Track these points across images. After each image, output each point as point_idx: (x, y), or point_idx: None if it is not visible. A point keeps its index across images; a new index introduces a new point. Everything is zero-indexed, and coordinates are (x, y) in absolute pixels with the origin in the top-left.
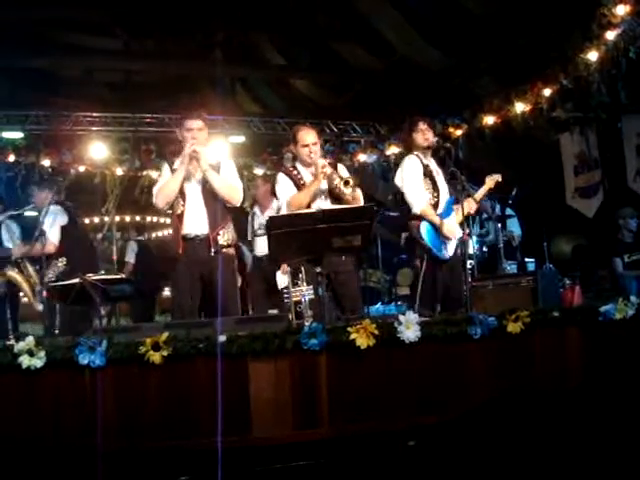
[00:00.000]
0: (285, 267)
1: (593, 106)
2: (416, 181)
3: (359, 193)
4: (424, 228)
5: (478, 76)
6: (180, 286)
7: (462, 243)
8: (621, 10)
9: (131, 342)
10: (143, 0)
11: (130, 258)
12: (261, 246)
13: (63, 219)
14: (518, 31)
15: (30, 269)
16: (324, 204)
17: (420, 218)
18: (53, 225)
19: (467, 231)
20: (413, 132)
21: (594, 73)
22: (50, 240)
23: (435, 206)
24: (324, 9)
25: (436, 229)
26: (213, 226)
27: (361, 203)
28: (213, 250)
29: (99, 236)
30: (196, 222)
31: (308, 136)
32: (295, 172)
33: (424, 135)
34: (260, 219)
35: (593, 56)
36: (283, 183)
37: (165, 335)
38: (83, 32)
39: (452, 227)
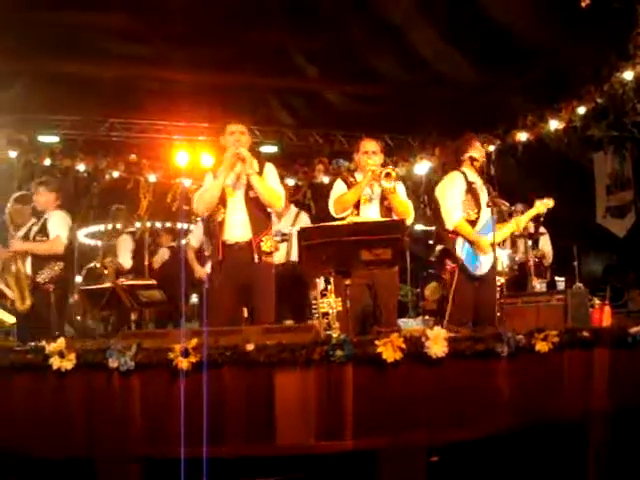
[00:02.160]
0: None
1: (628, 125)
2: (453, 197)
3: (402, 189)
4: (460, 242)
5: (513, 93)
6: (220, 293)
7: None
8: None
9: (160, 347)
10: (177, 8)
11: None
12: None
13: (69, 224)
14: (553, 49)
15: (23, 268)
16: (373, 210)
17: (455, 233)
18: (63, 228)
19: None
20: (470, 147)
21: (629, 92)
22: (62, 241)
23: (474, 222)
24: (359, 22)
25: (471, 244)
26: (256, 232)
27: (404, 199)
28: (256, 257)
29: None
30: (237, 228)
31: (369, 144)
32: (352, 179)
33: (480, 152)
34: (276, 226)
35: (629, 75)
36: (338, 188)
37: (194, 341)
38: (117, 38)
39: (489, 246)
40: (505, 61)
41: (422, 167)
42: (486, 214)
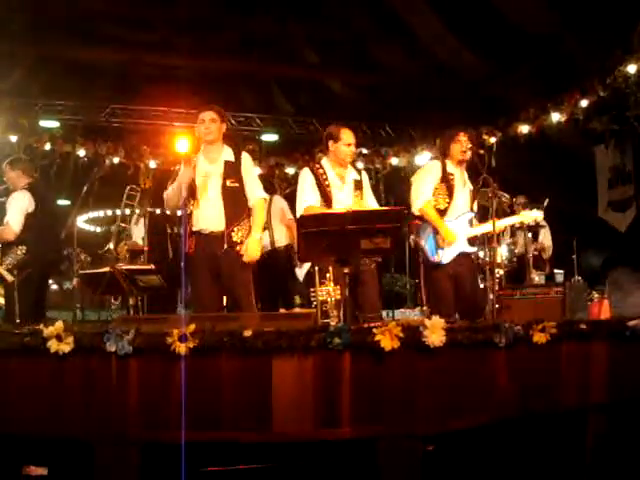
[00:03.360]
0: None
1: (630, 119)
2: (424, 182)
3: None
4: (423, 229)
5: (515, 84)
6: (197, 281)
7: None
8: None
9: (158, 332)
10: None
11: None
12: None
13: (29, 205)
14: (557, 41)
15: None
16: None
17: (421, 219)
18: (17, 211)
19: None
20: (452, 141)
21: (632, 86)
22: (12, 228)
23: (443, 212)
24: (362, 10)
25: (435, 233)
26: (230, 222)
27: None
28: (226, 246)
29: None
30: (212, 218)
31: (351, 136)
32: (321, 170)
33: (462, 147)
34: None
35: (632, 69)
36: (306, 181)
37: (192, 327)
38: (123, 25)
39: (452, 235)
40: (507, 52)
41: (423, 158)
42: (461, 208)
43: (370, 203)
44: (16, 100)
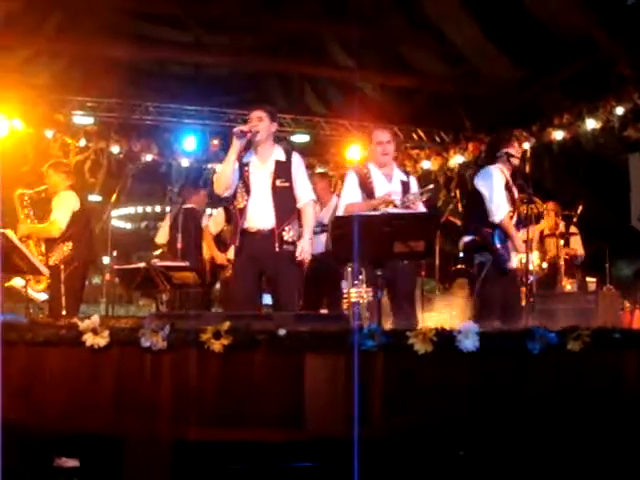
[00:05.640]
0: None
1: None
2: (500, 192)
3: None
4: (497, 236)
5: (549, 90)
6: (241, 279)
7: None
8: None
9: (193, 329)
10: None
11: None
12: (316, 243)
13: (75, 204)
14: (592, 47)
15: (34, 249)
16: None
17: (493, 227)
18: (64, 209)
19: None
20: (507, 144)
21: None
22: (57, 224)
23: (510, 219)
24: (396, 13)
25: (506, 241)
26: (280, 221)
27: None
28: (277, 246)
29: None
30: (260, 216)
31: (383, 135)
32: (365, 171)
33: (516, 150)
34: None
35: None
36: (349, 182)
37: (227, 324)
38: (157, 24)
39: (521, 243)
40: (542, 57)
41: (455, 162)
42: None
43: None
44: (52, 96)
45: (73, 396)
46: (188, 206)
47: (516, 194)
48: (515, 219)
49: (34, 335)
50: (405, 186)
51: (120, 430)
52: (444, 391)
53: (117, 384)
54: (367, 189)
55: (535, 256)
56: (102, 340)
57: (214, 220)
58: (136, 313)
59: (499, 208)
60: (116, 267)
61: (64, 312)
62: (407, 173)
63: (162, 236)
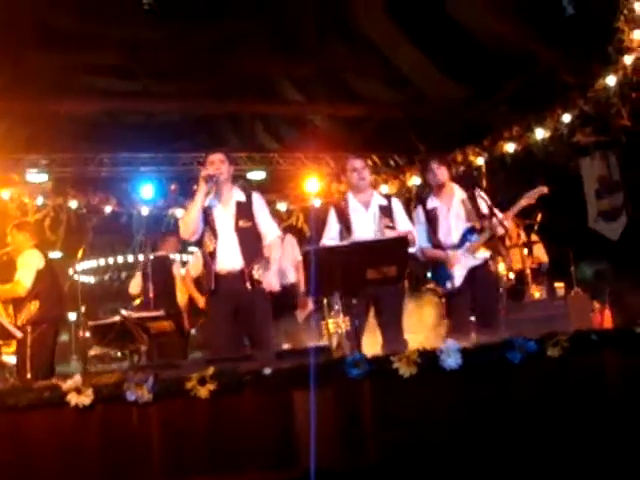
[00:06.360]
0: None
1: (613, 130)
2: (418, 231)
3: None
4: (431, 266)
5: (496, 105)
6: (217, 320)
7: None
8: (638, 35)
9: (177, 377)
10: (161, 44)
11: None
12: None
13: (40, 263)
14: (534, 59)
15: (2, 312)
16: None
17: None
18: (28, 268)
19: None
20: (425, 172)
21: (613, 97)
22: (23, 283)
23: (438, 245)
24: (339, 44)
25: (440, 264)
26: (248, 261)
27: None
28: (249, 285)
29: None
30: (229, 258)
31: (356, 161)
32: (343, 203)
33: (435, 175)
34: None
35: (611, 80)
36: (329, 219)
37: (211, 370)
38: (104, 75)
39: (454, 256)
40: (486, 74)
41: (412, 183)
42: (455, 227)
43: (402, 228)
44: (4, 156)
45: (60, 457)
46: (158, 254)
47: (452, 213)
48: (454, 238)
49: (17, 400)
50: (385, 210)
51: None
52: (432, 410)
53: (104, 441)
54: (344, 221)
55: (501, 267)
56: (86, 398)
57: (193, 264)
58: (110, 368)
59: (413, 246)
60: (90, 323)
61: (28, 375)
62: (388, 196)
63: (135, 286)
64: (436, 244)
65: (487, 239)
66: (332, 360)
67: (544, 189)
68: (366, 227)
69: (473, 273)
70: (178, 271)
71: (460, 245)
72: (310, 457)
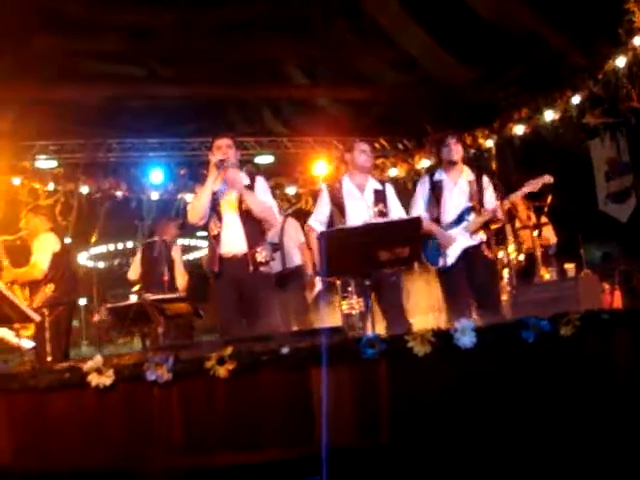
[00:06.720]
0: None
1: (622, 111)
2: (416, 200)
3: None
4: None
5: (505, 86)
6: (223, 304)
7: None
8: None
9: (197, 358)
10: (167, 28)
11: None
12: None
13: (56, 246)
14: (544, 40)
15: (20, 295)
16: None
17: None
18: (44, 251)
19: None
20: (440, 145)
21: (623, 79)
22: (39, 265)
23: (437, 220)
24: (347, 26)
25: (434, 240)
26: (251, 244)
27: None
28: (251, 267)
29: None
30: (233, 241)
31: (365, 145)
32: (337, 185)
33: (450, 151)
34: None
35: (621, 62)
36: (320, 198)
37: (230, 349)
38: (109, 61)
39: (450, 237)
40: (494, 56)
41: (422, 166)
42: (456, 205)
43: (395, 215)
44: (14, 143)
45: (82, 437)
46: (165, 238)
47: (457, 191)
48: (451, 217)
49: (37, 382)
50: (379, 195)
51: (133, 465)
52: (447, 389)
53: (126, 420)
54: (337, 204)
55: (511, 249)
56: (107, 379)
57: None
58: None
59: (410, 212)
60: (109, 306)
61: (49, 358)
62: (382, 182)
63: (134, 272)
64: (434, 217)
65: (484, 222)
66: (348, 340)
67: (548, 178)
68: (360, 211)
69: (467, 253)
70: (178, 255)
71: (457, 223)
72: (322, 434)
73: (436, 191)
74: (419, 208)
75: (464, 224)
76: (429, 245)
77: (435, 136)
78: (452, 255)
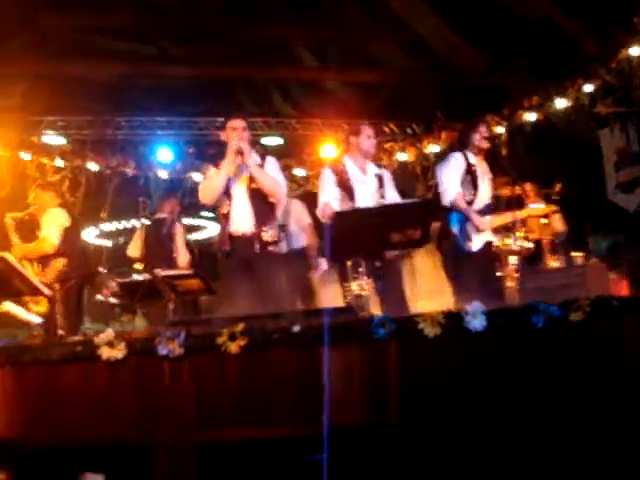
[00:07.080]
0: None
1: (634, 101)
2: (452, 176)
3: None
4: (455, 219)
5: (516, 73)
6: (232, 282)
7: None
8: None
9: (208, 333)
10: (177, 5)
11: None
12: None
13: (65, 221)
14: (557, 27)
15: (30, 270)
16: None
17: (449, 210)
18: (54, 225)
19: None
20: (471, 130)
21: (636, 68)
22: (50, 240)
23: (470, 203)
24: (357, 8)
25: (465, 222)
26: (259, 223)
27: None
28: (257, 247)
29: None
30: (242, 220)
31: (370, 129)
32: (341, 167)
33: (481, 139)
34: None
35: (635, 51)
36: (326, 179)
37: (241, 326)
38: (118, 39)
39: (484, 222)
40: (507, 41)
41: (430, 151)
42: (484, 198)
43: (391, 199)
44: (23, 118)
45: (93, 410)
46: (157, 216)
47: (485, 180)
48: (481, 203)
49: (49, 354)
50: (379, 179)
51: (145, 438)
52: (456, 371)
53: (138, 394)
54: (345, 185)
55: (520, 236)
56: (119, 352)
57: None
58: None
59: (446, 191)
60: (119, 281)
61: (60, 332)
62: (381, 167)
63: (134, 249)
64: (468, 200)
65: (504, 224)
66: (359, 319)
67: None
68: (367, 194)
69: (485, 248)
70: (180, 233)
71: (485, 213)
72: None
73: (472, 175)
74: (454, 185)
75: (487, 218)
76: (459, 225)
77: (469, 120)
78: (477, 242)
